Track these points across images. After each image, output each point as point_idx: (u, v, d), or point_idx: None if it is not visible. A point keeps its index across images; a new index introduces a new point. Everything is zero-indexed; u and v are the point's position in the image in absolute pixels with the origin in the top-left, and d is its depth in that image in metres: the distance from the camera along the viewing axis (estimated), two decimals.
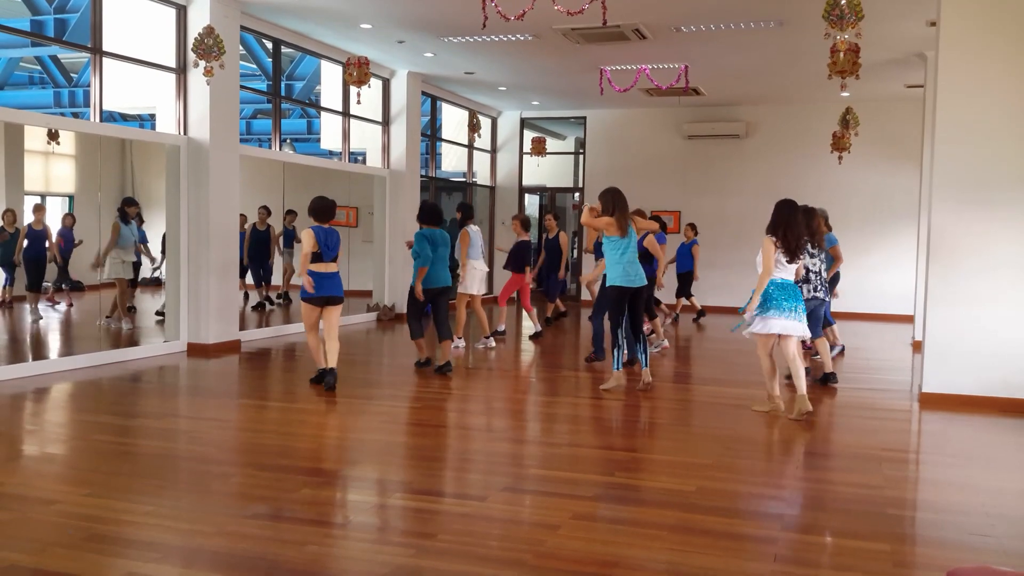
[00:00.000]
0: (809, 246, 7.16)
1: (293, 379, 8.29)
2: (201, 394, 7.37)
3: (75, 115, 13.15)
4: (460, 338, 9.60)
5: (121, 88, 9.39)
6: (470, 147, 15.46)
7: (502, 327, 10.66)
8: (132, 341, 9.52)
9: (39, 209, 10.15)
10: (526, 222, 10.87)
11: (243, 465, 5.05)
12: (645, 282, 7.35)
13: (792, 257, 6.41)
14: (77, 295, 11.16)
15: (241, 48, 10.39)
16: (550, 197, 17.22)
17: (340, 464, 5.21)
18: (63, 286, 10.87)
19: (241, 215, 11.37)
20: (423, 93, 13.25)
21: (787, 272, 6.45)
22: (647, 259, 8.76)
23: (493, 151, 16.38)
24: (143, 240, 10.60)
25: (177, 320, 9.00)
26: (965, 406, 6.76)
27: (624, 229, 7.13)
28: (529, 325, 11.62)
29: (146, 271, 11.01)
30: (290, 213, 12.22)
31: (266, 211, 12.22)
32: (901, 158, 13.50)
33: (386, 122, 12.66)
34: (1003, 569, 2.44)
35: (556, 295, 12.03)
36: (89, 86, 8.23)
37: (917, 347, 9.53)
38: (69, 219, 10.76)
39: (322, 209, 7.12)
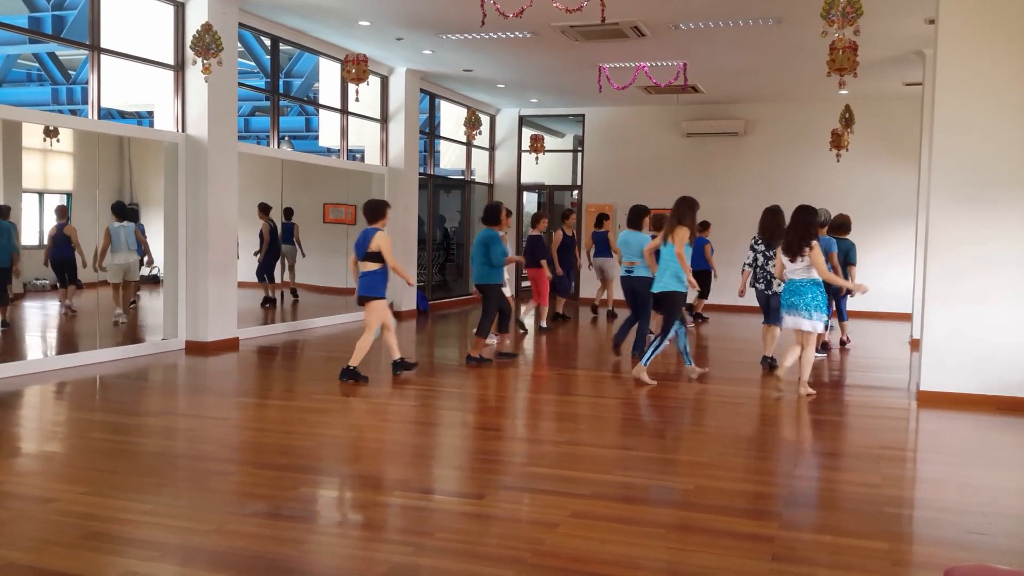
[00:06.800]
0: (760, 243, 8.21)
1: (292, 377, 8.30)
2: (200, 392, 7.37)
3: (73, 112, 13.14)
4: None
5: (119, 85, 9.38)
6: (468, 145, 15.46)
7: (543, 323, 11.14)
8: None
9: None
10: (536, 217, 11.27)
11: (242, 463, 5.05)
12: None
13: (792, 257, 6.91)
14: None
15: (239, 45, 10.37)
16: (548, 195, 17.22)
17: (338, 462, 5.21)
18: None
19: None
20: (421, 90, 13.24)
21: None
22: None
23: (491, 149, 16.37)
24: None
25: (176, 318, 9.00)
26: (963, 404, 6.76)
27: None
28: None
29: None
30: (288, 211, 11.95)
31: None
32: (899, 156, 13.50)
33: (384, 119, 12.65)
34: (1001, 568, 2.45)
35: (566, 292, 12.07)
36: (87, 83, 8.23)
37: (915, 345, 9.53)
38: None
39: (366, 210, 7.44)
